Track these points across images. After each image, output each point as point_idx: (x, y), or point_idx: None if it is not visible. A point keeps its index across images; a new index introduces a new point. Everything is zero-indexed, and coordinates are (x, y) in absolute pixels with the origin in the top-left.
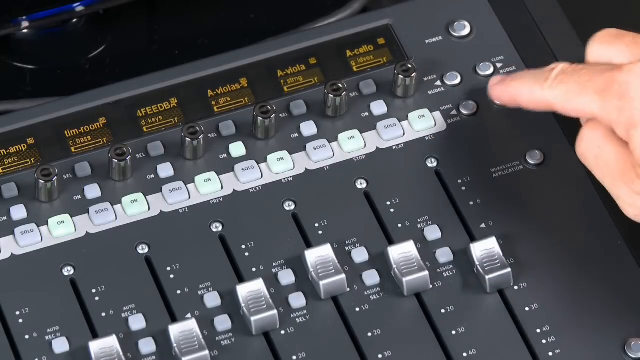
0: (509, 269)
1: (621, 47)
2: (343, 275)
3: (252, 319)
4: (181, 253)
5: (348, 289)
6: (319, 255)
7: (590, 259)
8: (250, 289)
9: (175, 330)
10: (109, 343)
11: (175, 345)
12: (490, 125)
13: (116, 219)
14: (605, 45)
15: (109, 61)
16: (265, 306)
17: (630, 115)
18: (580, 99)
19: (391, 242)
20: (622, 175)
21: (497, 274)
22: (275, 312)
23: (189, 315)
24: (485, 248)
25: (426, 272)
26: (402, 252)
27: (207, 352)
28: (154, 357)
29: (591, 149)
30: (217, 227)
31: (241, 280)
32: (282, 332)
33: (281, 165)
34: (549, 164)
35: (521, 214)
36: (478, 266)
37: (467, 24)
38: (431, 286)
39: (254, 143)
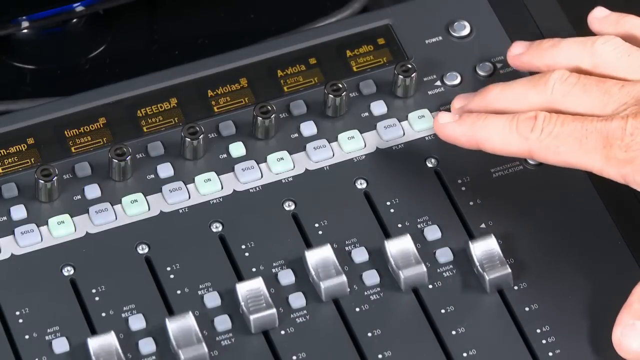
0: (509, 269)
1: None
2: (344, 278)
3: (251, 317)
4: (181, 253)
5: (349, 290)
6: (320, 257)
7: (590, 259)
8: (249, 288)
9: (172, 325)
10: (108, 340)
11: (173, 340)
12: None
13: (116, 219)
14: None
15: (109, 61)
16: (264, 305)
17: None
18: (580, 157)
19: None
20: None
21: (497, 274)
22: (274, 310)
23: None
24: (485, 248)
25: (422, 265)
26: (399, 246)
27: (203, 344)
28: (154, 357)
29: None
30: (217, 227)
31: (241, 280)
32: (282, 332)
33: (281, 165)
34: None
35: (521, 214)
36: (478, 266)
37: (467, 24)
38: (431, 286)
39: (254, 143)
